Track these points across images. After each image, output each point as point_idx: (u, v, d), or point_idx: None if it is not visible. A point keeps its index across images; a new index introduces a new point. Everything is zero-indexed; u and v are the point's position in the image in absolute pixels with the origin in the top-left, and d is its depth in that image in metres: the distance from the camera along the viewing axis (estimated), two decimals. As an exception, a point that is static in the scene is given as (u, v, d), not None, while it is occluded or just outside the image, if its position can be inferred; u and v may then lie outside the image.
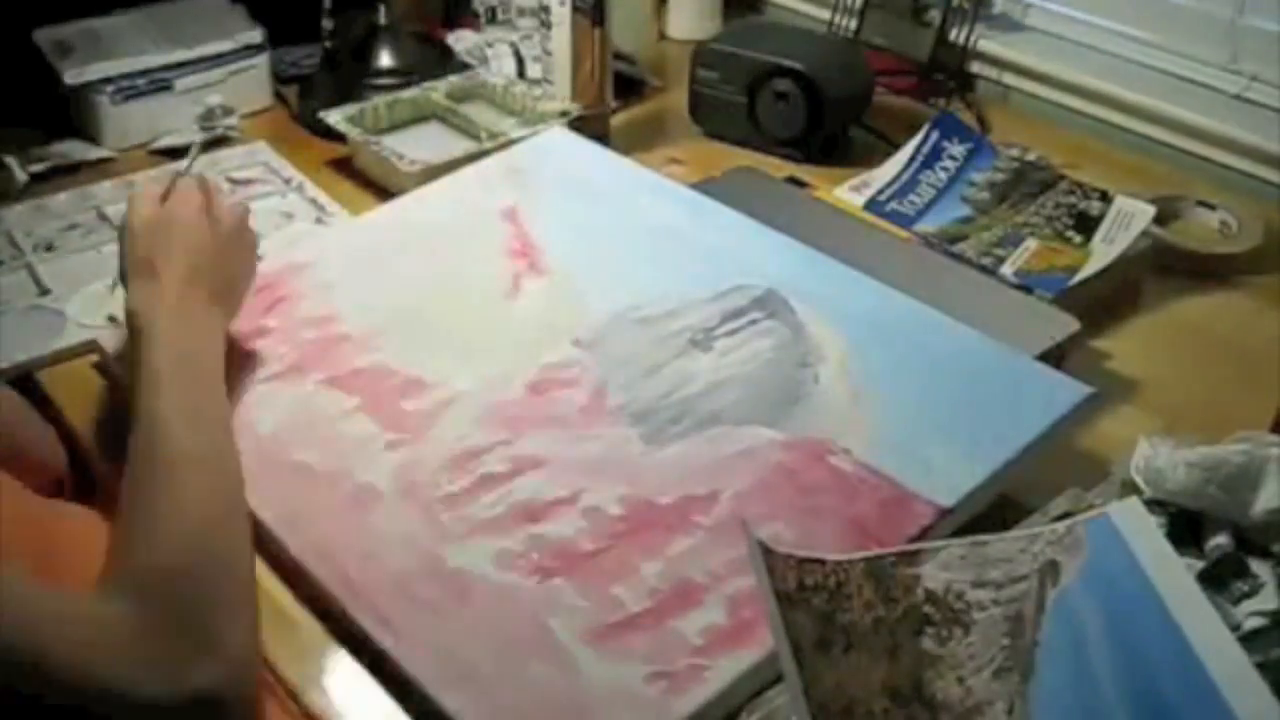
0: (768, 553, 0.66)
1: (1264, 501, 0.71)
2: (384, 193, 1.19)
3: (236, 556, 0.71)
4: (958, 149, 1.20)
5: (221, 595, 0.67)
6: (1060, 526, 0.70)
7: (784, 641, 0.62)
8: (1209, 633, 0.64)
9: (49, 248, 1.10)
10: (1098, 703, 0.63)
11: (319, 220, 1.15)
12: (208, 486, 0.72)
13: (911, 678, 0.64)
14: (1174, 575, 0.67)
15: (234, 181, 1.21)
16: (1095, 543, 0.69)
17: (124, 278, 0.85)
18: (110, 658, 0.62)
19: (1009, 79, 1.39)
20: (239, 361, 0.89)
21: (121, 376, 0.93)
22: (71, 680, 0.60)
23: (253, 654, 0.68)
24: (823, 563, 0.67)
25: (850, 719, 0.62)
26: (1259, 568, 0.71)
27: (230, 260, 0.88)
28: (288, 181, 1.21)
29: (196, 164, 0.97)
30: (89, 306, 1.02)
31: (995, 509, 0.77)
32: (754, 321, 0.90)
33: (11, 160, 1.20)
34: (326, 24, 1.38)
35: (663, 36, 1.55)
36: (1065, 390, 0.82)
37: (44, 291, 1.04)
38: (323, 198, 1.18)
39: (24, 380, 0.95)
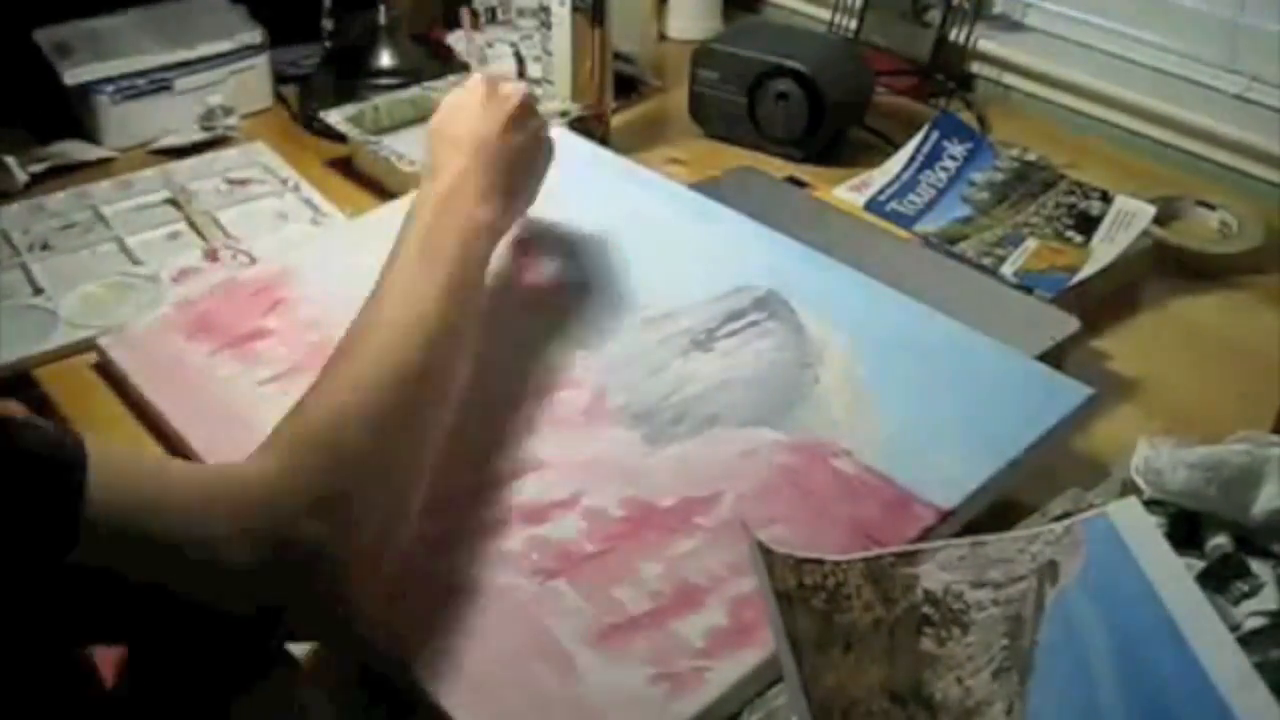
0: (767, 553, 0.66)
1: (1264, 501, 0.71)
2: (384, 193, 1.19)
3: (394, 443, 0.70)
4: (958, 149, 1.20)
5: (362, 475, 0.67)
6: (1059, 527, 0.70)
7: (784, 641, 0.63)
8: (1208, 633, 0.64)
9: (44, 247, 1.10)
10: (1096, 703, 0.63)
11: (314, 221, 1.15)
12: (392, 366, 0.71)
13: (911, 678, 0.64)
14: (1173, 575, 0.67)
15: (231, 182, 1.21)
16: (1094, 543, 0.69)
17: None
18: (227, 507, 0.62)
19: (1009, 79, 1.39)
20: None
21: (122, 376, 0.93)
22: (183, 532, 0.60)
23: (376, 544, 0.67)
24: (822, 563, 0.67)
25: (850, 719, 0.62)
26: (1259, 568, 0.71)
27: (511, 149, 0.87)
28: (284, 182, 1.21)
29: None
30: (82, 307, 1.02)
31: (995, 509, 0.77)
32: (755, 323, 0.90)
33: (11, 160, 1.20)
34: (326, 24, 1.38)
35: (663, 36, 1.55)
36: (1066, 391, 0.82)
37: (37, 291, 1.04)
38: (318, 199, 1.18)
39: (22, 380, 0.95)
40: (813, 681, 0.62)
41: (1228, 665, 0.63)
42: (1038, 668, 0.64)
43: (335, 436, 0.68)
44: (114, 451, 0.61)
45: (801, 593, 0.65)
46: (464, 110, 0.88)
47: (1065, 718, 0.63)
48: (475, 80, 0.91)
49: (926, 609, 0.67)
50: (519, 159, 0.88)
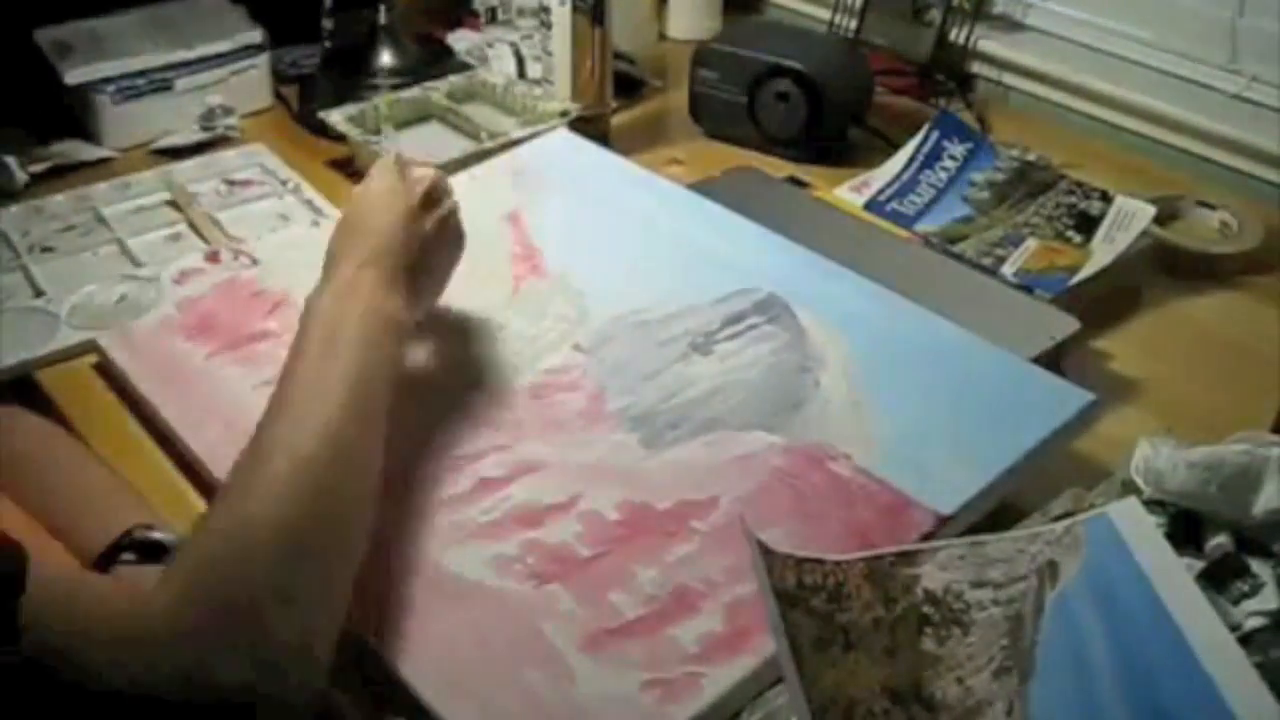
0: (767, 552, 0.66)
1: (1264, 502, 0.71)
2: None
3: (314, 560, 0.66)
4: (958, 149, 1.20)
5: (276, 591, 0.63)
6: (1059, 527, 0.70)
7: (783, 641, 0.63)
8: (1208, 633, 0.64)
9: (45, 249, 1.10)
10: (1097, 703, 0.63)
11: (315, 223, 1.15)
12: (298, 474, 0.67)
13: (911, 678, 0.64)
14: (1173, 575, 0.67)
15: (231, 183, 1.21)
16: (1094, 543, 0.69)
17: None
18: (143, 645, 0.60)
19: (1009, 79, 1.39)
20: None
21: (123, 377, 0.93)
22: (106, 669, 0.58)
23: (308, 657, 0.64)
24: (822, 562, 0.67)
25: (851, 719, 0.62)
26: (1259, 568, 0.71)
27: (416, 243, 0.82)
28: (284, 183, 1.21)
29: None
30: (83, 309, 1.02)
31: (995, 509, 0.77)
32: (755, 326, 0.90)
33: (11, 160, 1.20)
34: (326, 24, 1.38)
35: (663, 36, 1.55)
36: (1066, 397, 0.81)
37: (39, 293, 1.04)
38: (319, 200, 1.18)
39: (23, 381, 0.95)
40: (812, 681, 0.62)
41: (1228, 665, 0.63)
42: (1038, 668, 0.64)
43: (241, 558, 0.63)
44: (46, 571, 0.59)
45: (802, 593, 0.65)
46: (371, 198, 0.83)
47: (1065, 717, 0.63)
48: (385, 163, 0.86)
49: (927, 609, 0.67)
50: (426, 247, 0.83)
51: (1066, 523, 0.71)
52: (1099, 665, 0.64)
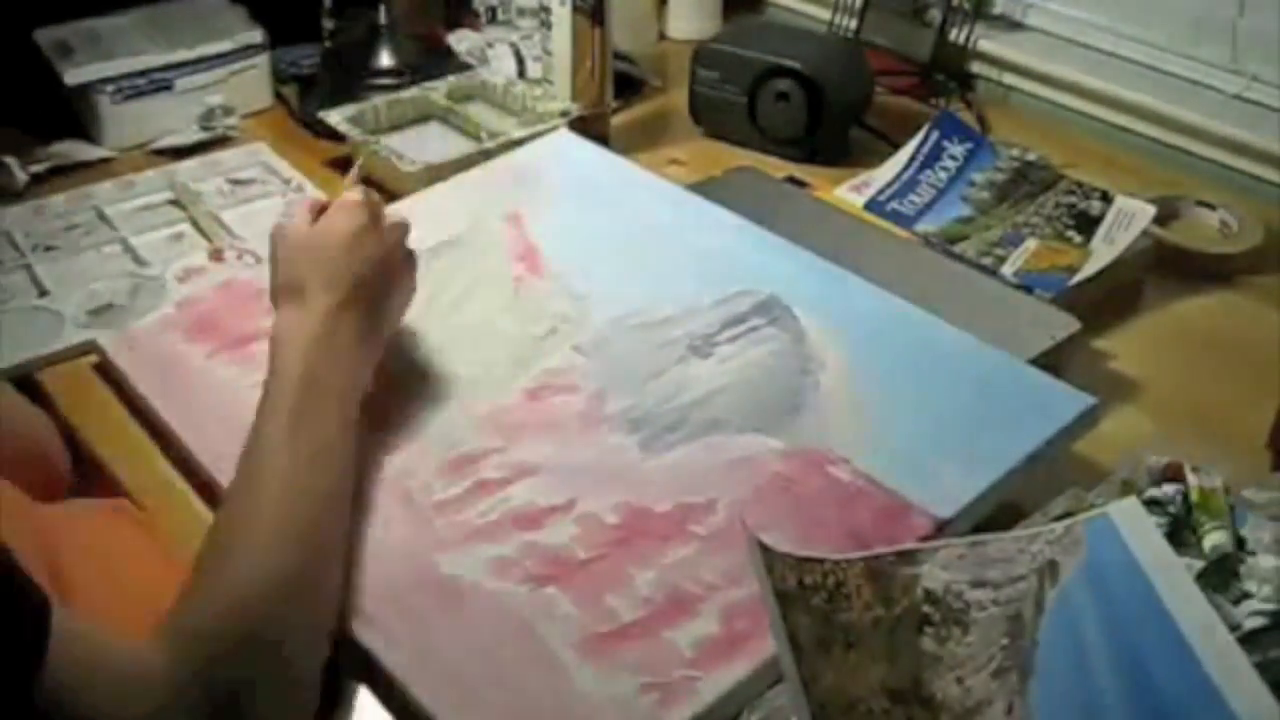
0: (767, 552, 0.66)
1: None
2: (384, 193, 1.18)
3: (299, 634, 0.67)
4: (958, 149, 1.20)
5: (268, 674, 0.64)
6: (1059, 526, 0.70)
7: (784, 641, 0.63)
8: (1208, 632, 0.64)
9: (48, 248, 1.10)
10: (1097, 702, 0.63)
11: (317, 221, 1.15)
12: (287, 551, 0.68)
13: (911, 677, 0.64)
14: (1173, 575, 0.67)
15: (234, 182, 1.21)
16: (1094, 542, 0.69)
17: (273, 298, 0.81)
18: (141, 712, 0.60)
19: (1009, 79, 1.39)
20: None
21: (123, 377, 0.93)
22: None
23: (294, 685, 0.66)
24: (822, 562, 0.67)
25: (851, 718, 0.62)
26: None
27: (386, 283, 0.82)
28: (287, 182, 1.21)
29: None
30: (88, 308, 1.02)
31: (994, 510, 0.77)
32: (755, 328, 0.90)
33: (11, 160, 1.20)
34: (326, 24, 1.38)
35: (663, 36, 1.55)
36: (1067, 400, 0.81)
37: (43, 292, 1.04)
38: (322, 199, 1.18)
39: (24, 380, 0.95)
40: (813, 681, 0.62)
41: (1227, 664, 0.63)
42: (1038, 667, 0.64)
43: (220, 628, 0.64)
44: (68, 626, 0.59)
45: (802, 592, 0.65)
46: (342, 233, 0.81)
47: (1065, 717, 0.63)
48: (354, 201, 0.83)
49: (927, 608, 0.67)
50: (394, 285, 0.84)
51: (1067, 522, 0.71)
52: (1099, 664, 0.64)
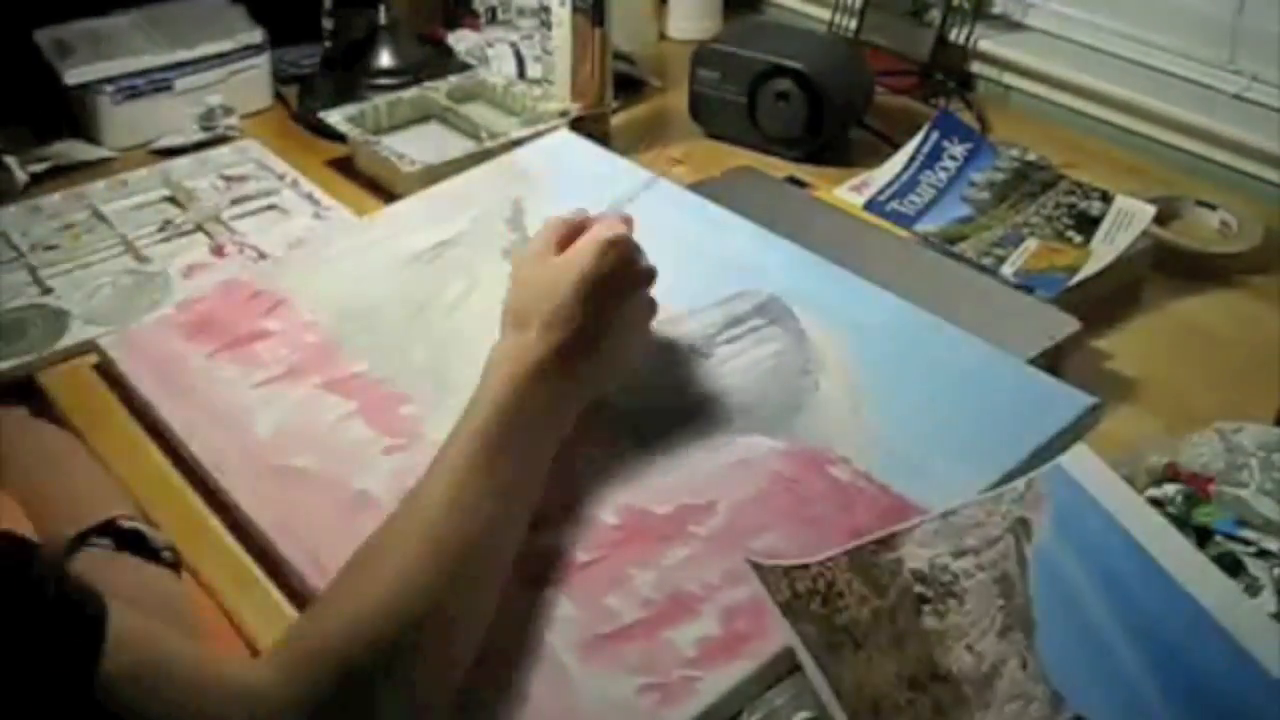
0: (759, 569, 0.66)
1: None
2: (384, 193, 1.19)
3: (434, 667, 0.64)
4: (958, 149, 1.20)
5: (393, 703, 0.61)
6: (1019, 484, 0.72)
7: (805, 653, 0.63)
8: (1183, 559, 0.67)
9: (48, 247, 1.10)
10: (1100, 640, 0.65)
11: (316, 216, 1.15)
12: (439, 574, 0.64)
13: (923, 660, 0.65)
14: (1136, 510, 0.70)
15: (228, 179, 1.21)
16: (1058, 494, 0.71)
17: (502, 321, 0.79)
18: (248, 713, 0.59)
19: (1009, 79, 1.39)
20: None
21: (123, 378, 0.93)
22: None
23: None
24: (808, 567, 0.67)
25: (879, 715, 0.62)
26: (1257, 569, 0.71)
27: (620, 331, 0.79)
28: (281, 178, 1.21)
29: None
30: (93, 305, 1.02)
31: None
32: (755, 329, 0.90)
33: (11, 160, 1.20)
34: (326, 24, 1.38)
35: (663, 36, 1.55)
36: (1068, 400, 0.81)
37: (46, 290, 1.04)
38: (318, 193, 1.18)
39: (23, 382, 0.95)
40: (839, 686, 0.62)
41: (1210, 586, 0.65)
42: (1038, 621, 0.66)
43: (346, 652, 0.61)
44: (129, 624, 0.58)
45: (799, 601, 0.66)
46: (574, 271, 0.77)
47: (1078, 662, 0.64)
48: (605, 239, 0.79)
49: (919, 588, 0.68)
50: (611, 318, 0.78)
51: (1024, 478, 0.72)
52: (1091, 604, 0.66)
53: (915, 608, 0.67)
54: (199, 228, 1.14)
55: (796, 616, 0.65)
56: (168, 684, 0.58)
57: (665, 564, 0.74)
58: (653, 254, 0.97)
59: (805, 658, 0.63)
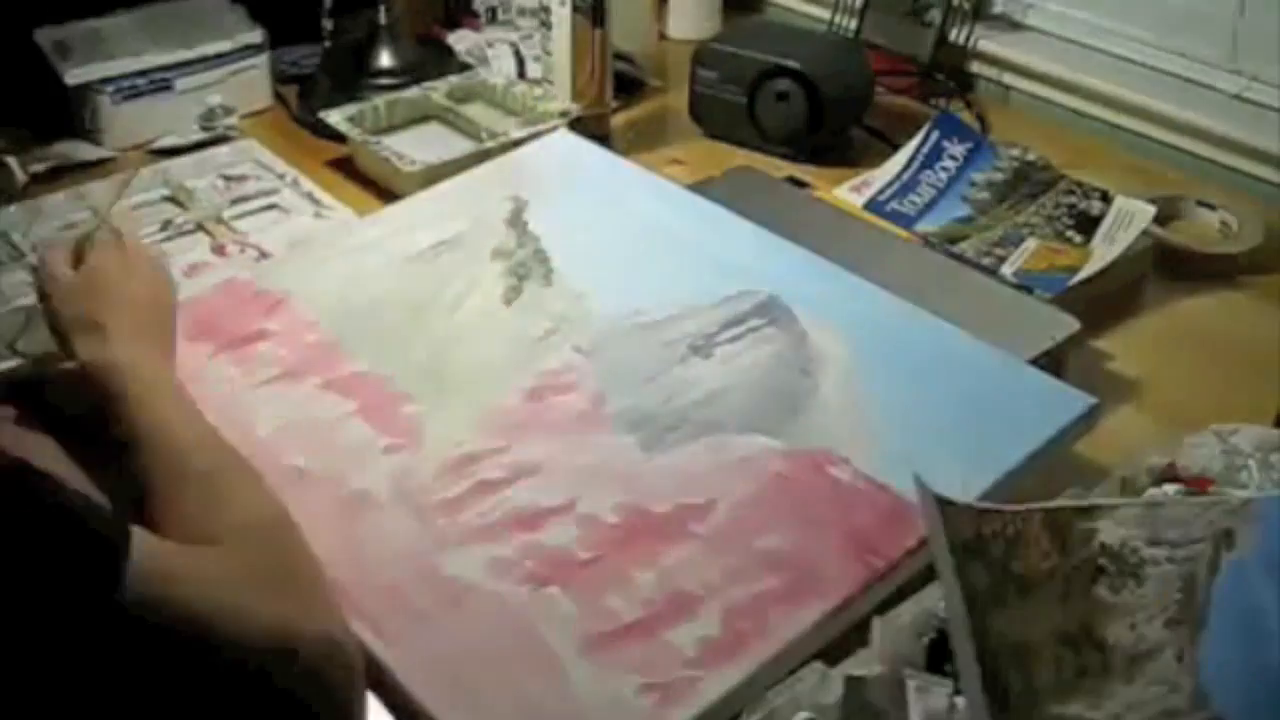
0: (945, 504, 0.67)
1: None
2: (384, 193, 1.19)
3: (298, 543, 0.70)
4: (958, 149, 1.20)
5: (301, 564, 0.68)
6: (1236, 498, 0.71)
7: (956, 593, 0.63)
8: None
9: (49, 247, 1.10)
10: (1267, 665, 0.62)
11: (317, 215, 1.15)
12: (249, 490, 0.73)
13: (1083, 623, 0.65)
14: None
15: (227, 178, 1.21)
16: (1273, 521, 0.68)
17: (56, 335, 0.86)
18: (238, 600, 0.61)
19: (1009, 79, 1.39)
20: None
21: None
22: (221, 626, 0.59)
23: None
24: (1001, 513, 0.68)
25: (1020, 659, 0.63)
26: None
27: (159, 305, 0.88)
28: (281, 177, 1.21)
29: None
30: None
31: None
32: (755, 329, 0.90)
33: (11, 160, 1.20)
34: (326, 24, 1.38)
35: (663, 36, 1.55)
36: (1068, 400, 0.81)
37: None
38: (319, 193, 1.18)
39: (23, 382, 0.95)
40: (982, 634, 0.62)
41: None
42: (1210, 624, 0.65)
43: (263, 523, 0.70)
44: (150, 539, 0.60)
45: (979, 543, 0.66)
46: (110, 280, 0.86)
47: (1235, 673, 0.63)
48: (112, 243, 0.90)
49: (1103, 561, 0.68)
50: (170, 311, 0.89)
51: (1244, 495, 0.72)
52: (1271, 633, 0.64)
53: (1092, 576, 0.67)
54: (199, 227, 1.14)
55: (971, 557, 0.65)
56: (196, 582, 0.60)
57: (665, 564, 0.74)
58: (652, 254, 0.98)
59: (954, 599, 0.63)
